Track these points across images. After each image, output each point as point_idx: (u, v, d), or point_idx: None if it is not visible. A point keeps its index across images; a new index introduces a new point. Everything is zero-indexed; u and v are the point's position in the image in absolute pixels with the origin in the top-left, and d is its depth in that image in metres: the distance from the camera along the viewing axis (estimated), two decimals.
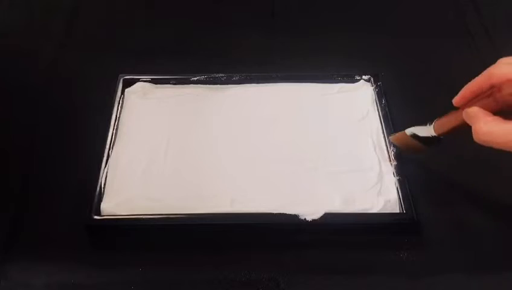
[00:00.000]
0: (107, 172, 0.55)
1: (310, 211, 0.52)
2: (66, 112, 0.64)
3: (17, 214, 0.54)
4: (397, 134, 0.57)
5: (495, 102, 0.45)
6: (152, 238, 0.52)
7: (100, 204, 0.52)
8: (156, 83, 0.64)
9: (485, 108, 0.46)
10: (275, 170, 0.56)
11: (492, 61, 0.71)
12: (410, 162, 0.56)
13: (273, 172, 0.56)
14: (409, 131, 0.54)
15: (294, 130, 0.60)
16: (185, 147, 0.58)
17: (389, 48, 0.72)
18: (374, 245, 0.52)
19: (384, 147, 0.58)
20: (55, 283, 0.49)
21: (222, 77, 0.65)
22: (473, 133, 0.45)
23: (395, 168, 0.55)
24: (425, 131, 0.53)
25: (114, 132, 0.59)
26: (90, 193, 0.53)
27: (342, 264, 0.50)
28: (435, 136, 0.52)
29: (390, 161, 0.56)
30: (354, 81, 0.65)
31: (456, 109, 0.49)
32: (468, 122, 0.46)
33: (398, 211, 0.53)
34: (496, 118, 0.45)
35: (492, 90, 0.45)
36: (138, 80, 0.64)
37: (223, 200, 0.53)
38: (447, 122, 0.51)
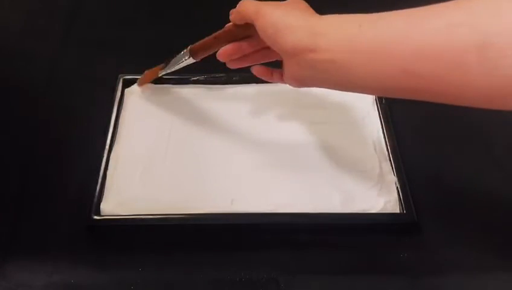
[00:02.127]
0: (107, 172, 0.55)
1: (310, 211, 0.52)
2: (66, 111, 0.64)
3: (17, 214, 0.54)
4: (144, 78, 0.63)
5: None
6: (152, 238, 0.52)
7: (100, 204, 0.52)
8: (156, 83, 0.64)
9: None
10: (275, 169, 0.56)
11: None
12: (410, 162, 0.56)
13: (273, 172, 0.56)
14: (162, 72, 0.61)
15: (295, 130, 0.60)
16: (185, 147, 0.58)
17: None
18: (374, 245, 0.52)
19: (384, 147, 0.58)
20: (55, 283, 0.49)
21: (222, 77, 0.65)
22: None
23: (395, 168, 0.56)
24: (178, 64, 0.58)
25: (114, 131, 0.59)
26: (90, 193, 0.53)
27: (342, 264, 0.50)
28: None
29: (390, 161, 0.56)
30: None
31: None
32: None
33: (398, 211, 0.53)
34: None
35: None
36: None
37: (223, 200, 0.53)
38: (206, 48, 0.56)
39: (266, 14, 0.48)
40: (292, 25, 0.46)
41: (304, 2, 0.50)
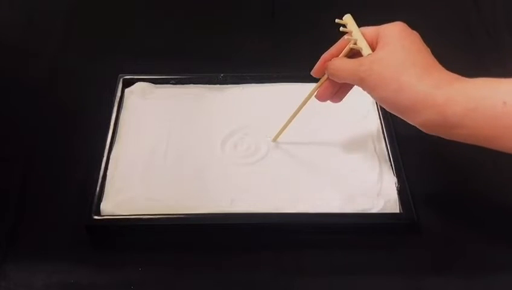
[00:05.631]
0: (107, 172, 0.55)
1: (310, 211, 0.52)
2: (66, 112, 0.64)
3: (17, 214, 0.54)
4: None
5: None
6: (152, 238, 0.52)
7: (100, 204, 0.52)
8: (155, 83, 0.64)
9: None
10: (275, 169, 0.56)
11: (493, 61, 0.71)
12: (410, 162, 0.56)
13: (273, 172, 0.56)
14: None
15: (294, 130, 0.60)
16: (185, 147, 0.58)
17: None
18: (374, 245, 0.52)
19: (384, 147, 0.58)
20: (55, 283, 0.49)
21: (222, 77, 0.65)
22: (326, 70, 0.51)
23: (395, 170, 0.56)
24: None
25: (114, 132, 0.59)
26: (90, 193, 0.53)
27: (342, 264, 0.50)
28: None
29: (390, 161, 0.56)
30: None
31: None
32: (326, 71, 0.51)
33: (398, 211, 0.53)
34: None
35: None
36: (138, 80, 0.64)
37: (223, 200, 0.53)
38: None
39: (380, 85, 0.45)
40: (417, 102, 0.43)
41: (425, 50, 0.47)
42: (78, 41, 0.73)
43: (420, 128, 0.45)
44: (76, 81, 0.68)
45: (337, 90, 0.52)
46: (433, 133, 0.44)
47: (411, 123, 0.45)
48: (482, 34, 0.74)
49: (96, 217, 0.51)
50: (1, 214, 0.54)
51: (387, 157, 0.57)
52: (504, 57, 0.70)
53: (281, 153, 0.58)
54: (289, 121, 0.56)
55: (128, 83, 0.64)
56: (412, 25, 0.75)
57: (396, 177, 0.55)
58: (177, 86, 0.65)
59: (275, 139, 0.58)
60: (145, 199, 0.53)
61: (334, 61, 0.50)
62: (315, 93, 0.53)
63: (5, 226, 0.53)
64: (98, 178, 0.54)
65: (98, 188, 0.53)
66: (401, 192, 0.53)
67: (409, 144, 0.59)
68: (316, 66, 0.52)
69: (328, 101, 0.53)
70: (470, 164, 0.58)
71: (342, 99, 0.54)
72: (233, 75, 0.65)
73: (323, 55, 0.52)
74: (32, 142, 0.60)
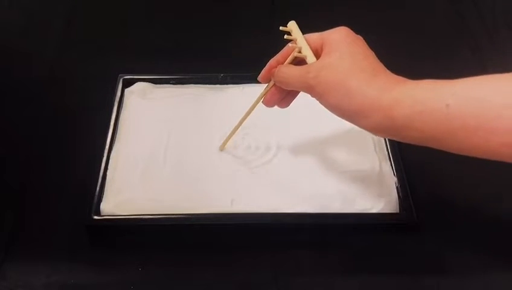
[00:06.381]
0: (107, 172, 0.55)
1: (310, 211, 0.52)
2: (66, 112, 0.64)
3: (17, 214, 0.54)
4: None
5: None
6: (152, 238, 0.52)
7: (100, 204, 0.52)
8: (155, 83, 0.64)
9: None
10: (275, 169, 0.56)
11: (493, 61, 0.71)
12: (410, 162, 0.56)
13: (273, 172, 0.56)
14: None
15: (294, 129, 0.60)
16: (185, 147, 0.58)
17: (389, 48, 0.71)
18: (374, 245, 0.52)
19: (384, 147, 0.58)
20: (54, 283, 0.49)
21: (222, 77, 0.65)
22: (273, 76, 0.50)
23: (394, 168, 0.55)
24: None
25: (114, 132, 0.59)
26: (90, 193, 0.53)
27: (342, 264, 0.50)
28: None
29: (390, 161, 0.56)
30: None
31: None
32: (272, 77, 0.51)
33: (398, 211, 0.53)
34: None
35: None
36: (138, 80, 0.64)
37: (223, 200, 0.53)
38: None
39: (326, 93, 0.45)
40: (364, 106, 0.43)
41: (371, 54, 0.46)
42: (78, 42, 0.73)
43: (371, 132, 0.45)
44: (77, 81, 0.68)
45: (284, 96, 0.52)
46: (385, 136, 0.45)
47: (360, 127, 0.45)
48: (482, 33, 0.74)
49: (96, 217, 0.51)
50: (1, 214, 0.54)
51: (387, 157, 0.57)
52: (504, 57, 0.70)
53: (281, 153, 0.57)
54: (236, 128, 0.56)
55: (128, 83, 0.64)
56: (412, 25, 0.76)
57: (396, 177, 0.55)
58: (177, 86, 0.65)
59: (222, 148, 0.57)
60: (145, 199, 0.53)
61: (280, 68, 0.50)
62: (262, 99, 0.53)
63: (5, 226, 0.53)
64: (98, 178, 0.54)
65: (98, 188, 0.53)
66: (401, 192, 0.53)
67: (408, 144, 0.58)
68: (262, 72, 0.52)
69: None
70: (470, 163, 0.58)
71: (289, 105, 0.53)
72: (233, 75, 0.65)
73: (269, 61, 0.51)
74: (31, 142, 0.60)
